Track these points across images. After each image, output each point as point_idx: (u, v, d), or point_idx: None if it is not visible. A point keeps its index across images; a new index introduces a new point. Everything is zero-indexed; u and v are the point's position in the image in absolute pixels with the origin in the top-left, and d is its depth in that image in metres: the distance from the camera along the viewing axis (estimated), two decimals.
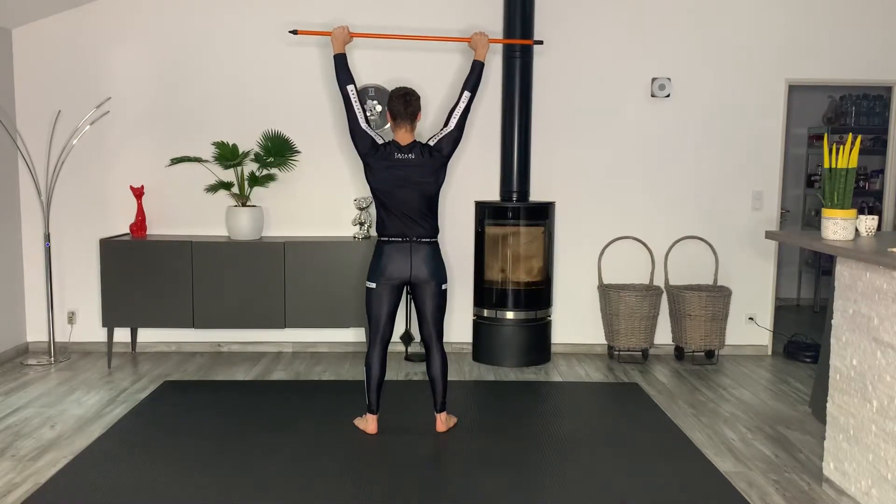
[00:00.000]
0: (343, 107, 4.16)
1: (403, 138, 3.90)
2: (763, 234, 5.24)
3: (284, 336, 5.72)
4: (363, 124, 3.90)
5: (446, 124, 3.94)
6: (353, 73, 4.00)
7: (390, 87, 5.32)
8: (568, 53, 5.59)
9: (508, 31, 5.36)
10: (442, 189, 4.06)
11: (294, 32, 4.39)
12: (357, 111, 3.91)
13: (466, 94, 3.96)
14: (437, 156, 3.88)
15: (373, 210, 5.46)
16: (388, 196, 3.88)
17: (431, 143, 3.92)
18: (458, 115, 3.93)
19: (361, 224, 5.44)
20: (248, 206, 5.42)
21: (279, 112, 5.57)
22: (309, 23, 5.34)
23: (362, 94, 5.38)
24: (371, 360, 3.97)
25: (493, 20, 5.45)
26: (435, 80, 5.48)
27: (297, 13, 5.44)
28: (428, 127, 5.38)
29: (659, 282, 5.76)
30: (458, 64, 5.51)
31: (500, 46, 5.43)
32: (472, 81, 4.00)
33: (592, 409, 4.63)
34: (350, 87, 3.93)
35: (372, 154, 3.87)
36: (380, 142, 3.90)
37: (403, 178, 3.85)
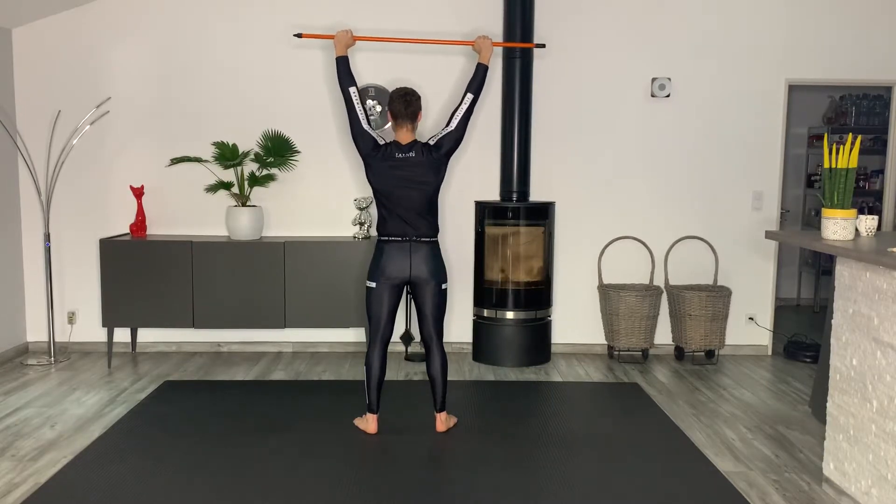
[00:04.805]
0: (344, 108, 4.18)
1: (404, 138, 3.93)
2: (763, 234, 5.24)
3: (284, 336, 5.72)
4: (365, 125, 3.93)
5: (448, 124, 3.96)
6: (354, 75, 4.04)
7: (391, 88, 5.34)
8: (568, 53, 5.59)
9: (508, 33, 5.35)
10: (442, 189, 4.07)
11: (298, 36, 4.37)
12: (359, 113, 3.94)
13: (469, 95, 3.99)
14: (437, 154, 3.91)
15: (373, 210, 5.46)
16: (388, 196, 3.89)
17: (431, 141, 3.94)
18: (460, 115, 3.95)
19: (361, 224, 5.44)
20: (248, 206, 5.42)
21: (279, 112, 5.57)
22: (310, 24, 5.35)
23: (362, 93, 5.38)
24: (371, 359, 3.98)
25: (493, 22, 5.45)
26: (437, 83, 5.47)
27: (298, 15, 5.44)
28: (430, 128, 5.37)
29: (659, 282, 5.76)
30: (461, 67, 5.51)
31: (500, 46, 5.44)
32: (476, 84, 4.01)
33: (592, 409, 4.63)
34: (352, 90, 3.97)
35: (374, 154, 3.89)
36: (381, 142, 3.93)
37: (404, 178, 3.87)
